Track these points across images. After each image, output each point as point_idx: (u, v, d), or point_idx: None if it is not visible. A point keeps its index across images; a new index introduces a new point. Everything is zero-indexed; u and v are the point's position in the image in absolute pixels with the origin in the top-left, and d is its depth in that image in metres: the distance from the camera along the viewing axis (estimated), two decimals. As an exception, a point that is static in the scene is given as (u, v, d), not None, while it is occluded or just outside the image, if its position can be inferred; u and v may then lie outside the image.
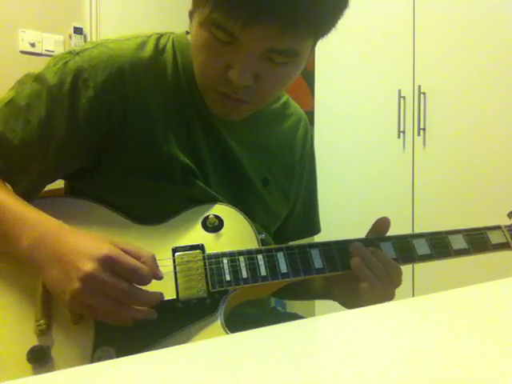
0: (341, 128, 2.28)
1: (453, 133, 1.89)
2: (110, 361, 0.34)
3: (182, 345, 0.37)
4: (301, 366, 0.32)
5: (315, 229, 1.00)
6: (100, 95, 0.71)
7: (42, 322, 0.65)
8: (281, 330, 0.40)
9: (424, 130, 1.97)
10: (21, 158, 0.73)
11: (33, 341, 0.65)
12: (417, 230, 1.95)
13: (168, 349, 0.36)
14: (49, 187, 0.86)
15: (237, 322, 0.69)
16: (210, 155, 0.79)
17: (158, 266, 0.65)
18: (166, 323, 0.65)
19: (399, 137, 2.04)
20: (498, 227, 0.82)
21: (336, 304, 0.84)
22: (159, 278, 0.65)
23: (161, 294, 0.65)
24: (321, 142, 2.33)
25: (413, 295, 1.89)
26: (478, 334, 0.38)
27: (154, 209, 0.75)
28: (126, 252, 0.63)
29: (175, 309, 0.67)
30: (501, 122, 1.76)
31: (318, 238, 1.03)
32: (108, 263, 0.61)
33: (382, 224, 0.79)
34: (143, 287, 0.63)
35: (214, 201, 0.76)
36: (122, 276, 0.61)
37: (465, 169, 1.85)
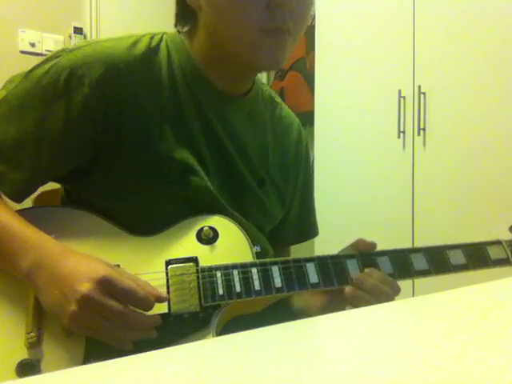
0: (341, 128, 2.28)
1: (453, 133, 1.89)
2: (110, 361, 0.34)
3: (182, 345, 0.37)
4: (301, 366, 0.32)
5: (313, 232, 0.99)
6: (95, 92, 0.70)
7: (32, 334, 0.64)
8: (281, 330, 0.40)
9: (424, 130, 1.97)
10: (14, 158, 0.71)
11: (23, 353, 0.64)
12: (416, 230, 1.95)
13: (167, 349, 0.36)
14: (45, 189, 0.85)
15: (237, 323, 0.69)
16: (208, 152, 0.78)
17: (157, 290, 0.65)
18: (158, 337, 0.64)
19: (399, 137, 2.04)
20: (499, 242, 0.79)
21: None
22: (163, 300, 0.64)
23: (158, 318, 0.64)
24: (321, 142, 2.33)
25: (413, 295, 1.88)
26: (478, 334, 0.38)
27: (148, 212, 0.74)
28: (122, 275, 0.63)
29: (167, 323, 0.66)
30: (501, 122, 1.76)
31: (317, 239, 1.03)
32: (104, 284, 0.60)
33: (364, 245, 0.77)
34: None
35: (211, 201, 0.76)
36: (118, 298, 0.61)
37: (465, 169, 1.85)
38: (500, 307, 0.46)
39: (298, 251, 1.02)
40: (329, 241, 1.35)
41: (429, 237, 1.92)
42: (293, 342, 0.38)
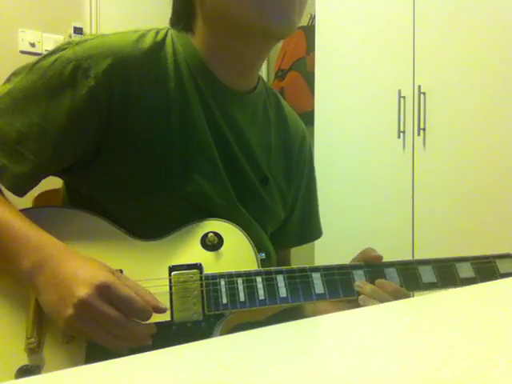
0: (341, 128, 2.28)
1: (453, 133, 1.89)
2: (110, 361, 0.34)
3: (182, 345, 0.37)
4: (301, 365, 0.32)
5: (316, 234, 0.99)
6: (101, 85, 0.70)
7: (32, 340, 0.63)
8: (281, 330, 0.40)
9: (424, 130, 1.97)
10: (17, 151, 0.70)
11: (23, 359, 0.63)
12: (416, 231, 1.95)
13: (168, 349, 0.36)
14: (45, 189, 0.85)
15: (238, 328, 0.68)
16: (214, 147, 0.77)
17: (157, 300, 0.64)
18: (159, 345, 0.64)
19: (399, 137, 2.04)
20: (509, 256, 0.77)
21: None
22: (161, 311, 0.63)
23: (153, 327, 0.63)
24: (321, 142, 2.33)
25: (413, 295, 1.88)
26: (478, 334, 0.38)
27: (150, 212, 0.73)
28: (124, 283, 0.62)
29: (169, 331, 0.66)
30: (501, 122, 1.76)
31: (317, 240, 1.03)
32: (103, 291, 0.60)
33: (370, 257, 0.76)
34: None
35: (209, 199, 0.75)
36: (116, 306, 0.60)
37: (465, 169, 1.85)
38: (500, 307, 0.46)
39: (297, 251, 1.02)
40: (329, 241, 1.35)
41: (429, 237, 1.92)
42: (293, 342, 0.38)
